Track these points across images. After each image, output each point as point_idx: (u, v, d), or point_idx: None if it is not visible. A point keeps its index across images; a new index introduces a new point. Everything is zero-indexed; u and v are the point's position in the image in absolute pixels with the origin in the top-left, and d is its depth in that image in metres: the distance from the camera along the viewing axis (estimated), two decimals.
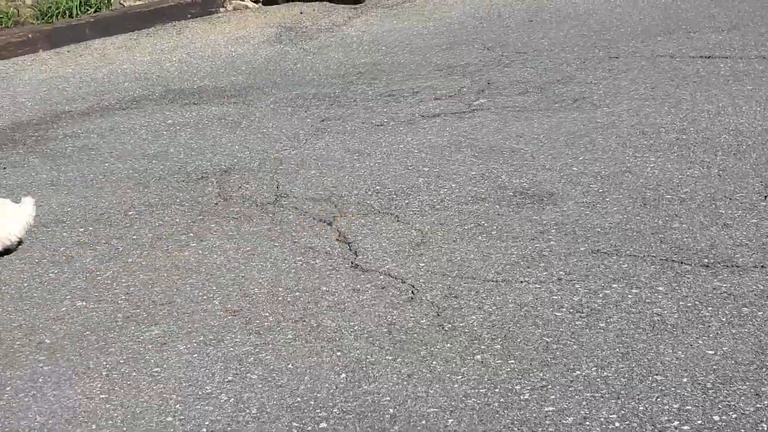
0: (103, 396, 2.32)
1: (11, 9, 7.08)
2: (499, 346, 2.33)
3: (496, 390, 2.13)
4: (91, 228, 3.39)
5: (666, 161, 3.49)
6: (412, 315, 2.55)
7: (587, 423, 1.93)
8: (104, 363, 2.49)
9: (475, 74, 4.99)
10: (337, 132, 4.25)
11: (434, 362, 2.29)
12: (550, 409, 2.02)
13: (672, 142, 3.68)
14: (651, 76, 4.68)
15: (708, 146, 3.61)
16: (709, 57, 4.94)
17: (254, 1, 6.96)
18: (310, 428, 2.08)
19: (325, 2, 6.95)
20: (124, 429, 2.15)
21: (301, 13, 6.78)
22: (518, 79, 4.85)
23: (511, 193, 3.34)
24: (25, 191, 3.76)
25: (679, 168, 3.40)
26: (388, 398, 2.14)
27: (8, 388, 2.40)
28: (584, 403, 2.01)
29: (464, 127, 4.13)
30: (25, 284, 2.99)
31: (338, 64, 5.48)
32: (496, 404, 2.07)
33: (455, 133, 4.05)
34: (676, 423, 1.87)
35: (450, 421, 2.02)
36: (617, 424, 1.90)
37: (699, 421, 1.87)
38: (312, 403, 2.17)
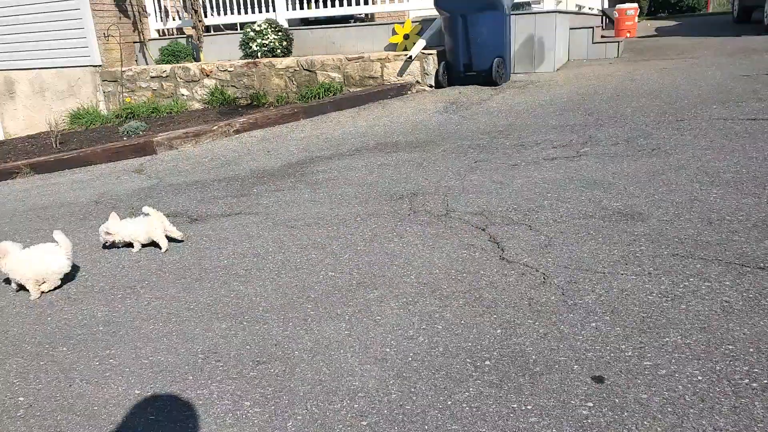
0: (347, 332, 2.41)
1: (284, 94, 7.47)
2: (608, 318, 2.26)
3: (607, 348, 2.07)
4: (334, 228, 3.50)
5: (725, 193, 3.26)
6: (544, 293, 2.51)
7: (676, 375, 1.84)
8: (346, 312, 2.57)
9: (579, 131, 4.83)
10: (486, 169, 4.21)
11: (562, 326, 2.25)
12: (648, 363, 1.94)
13: (729, 179, 3.44)
14: (709, 133, 4.38)
15: (757, 182, 3.35)
16: (754, 119, 4.56)
17: (429, 86, 6.99)
18: (479, 364, 2.08)
19: (476, 86, 6.92)
20: (366, 352, 2.21)
21: (460, 93, 6.79)
22: (611, 134, 4.66)
23: (611, 213, 3.22)
24: (300, 206, 3.96)
25: (736, 198, 3.17)
26: (531, 348, 2.12)
27: (289, 324, 2.49)
28: (673, 361, 1.92)
29: (574, 166, 4.00)
30: (298, 262, 3.11)
31: (485, 125, 5.44)
32: (608, 357, 2.01)
33: (568, 171, 3.94)
34: (746, 381, 1.75)
35: (575, 366, 1.99)
36: (700, 378, 1.80)
37: (765, 381, 1.74)
38: (479, 347, 2.18)
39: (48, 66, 8.99)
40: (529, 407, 1.83)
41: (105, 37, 8.57)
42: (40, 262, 3.07)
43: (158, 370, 2.31)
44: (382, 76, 7.34)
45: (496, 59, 6.95)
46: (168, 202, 4.48)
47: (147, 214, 3.56)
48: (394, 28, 7.74)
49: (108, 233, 3.63)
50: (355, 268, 2.98)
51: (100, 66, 8.65)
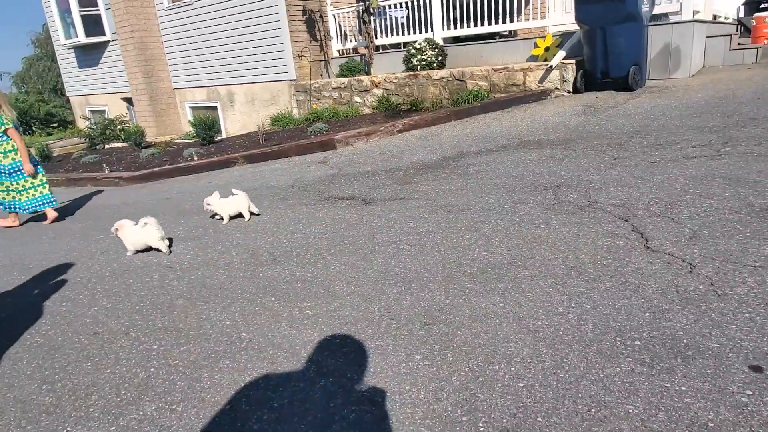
0: (501, 305, 2.30)
1: (438, 100, 7.41)
2: (762, 310, 1.93)
3: (764, 339, 1.76)
4: (485, 213, 3.38)
5: None
6: (691, 282, 2.21)
7: None
8: (499, 287, 2.47)
9: (719, 132, 4.20)
10: (625, 166, 3.82)
11: (713, 315, 1.96)
12: None
13: None
14: None
15: None
16: None
17: (567, 92, 6.51)
18: (628, 343, 1.88)
19: (611, 91, 6.32)
20: (519, 323, 2.10)
21: (597, 97, 6.25)
22: (753, 135, 4.00)
23: (758, 209, 2.75)
24: (454, 194, 3.89)
25: None
26: (682, 333, 1.87)
27: (450, 294, 2.42)
28: None
29: (715, 165, 3.49)
30: (455, 242, 3.03)
31: (622, 126, 4.93)
32: (765, 348, 1.70)
33: (709, 168, 3.44)
34: None
35: (730, 354, 1.73)
36: None
37: None
38: (628, 327, 1.96)
39: (257, 81, 9.79)
40: (683, 388, 1.62)
41: (299, 57, 9.12)
42: (140, 233, 3.67)
43: (344, 322, 2.38)
44: (524, 83, 7.00)
45: (632, 66, 6.31)
46: (346, 188, 4.65)
47: (236, 194, 4.04)
48: (536, 42, 7.35)
49: (208, 204, 4.10)
50: (505, 250, 2.85)
51: (294, 80, 9.23)
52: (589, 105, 6.13)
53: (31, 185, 5.10)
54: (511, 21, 7.81)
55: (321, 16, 9.19)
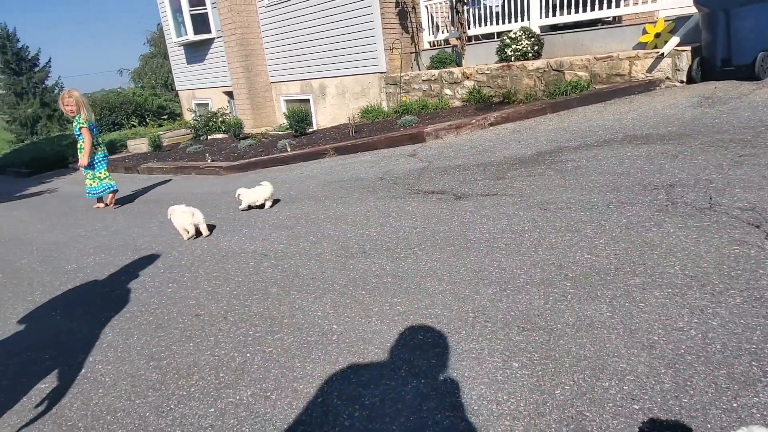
0: (608, 314, 2.09)
1: (532, 92, 7.07)
2: None
3: None
4: (587, 213, 3.12)
5: None
6: None
7: None
8: (606, 295, 2.25)
9: None
10: (753, 164, 3.38)
11: None
12: None
13: None
14: None
15: None
16: None
17: (681, 82, 5.93)
18: (767, 369, 1.60)
19: (733, 81, 5.65)
20: (631, 336, 1.89)
21: (716, 88, 5.61)
22: None
23: None
24: (551, 191, 3.65)
25: None
26: None
27: (550, 298, 2.27)
28: None
29: None
30: (553, 242, 2.83)
31: (747, 119, 4.38)
32: None
33: None
34: None
35: None
36: None
37: None
38: (766, 351, 1.68)
39: (348, 74, 9.91)
40: None
41: (390, 49, 9.09)
42: (188, 216, 4.10)
43: (436, 321, 2.30)
44: (629, 73, 6.46)
45: (760, 53, 5.59)
46: (436, 182, 4.54)
47: (262, 185, 4.58)
48: (644, 28, 6.74)
49: (239, 195, 4.58)
50: (611, 253, 2.61)
51: (384, 72, 9.23)
52: (706, 96, 5.53)
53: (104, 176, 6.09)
54: (617, 6, 7.24)
55: (413, 8, 9.09)
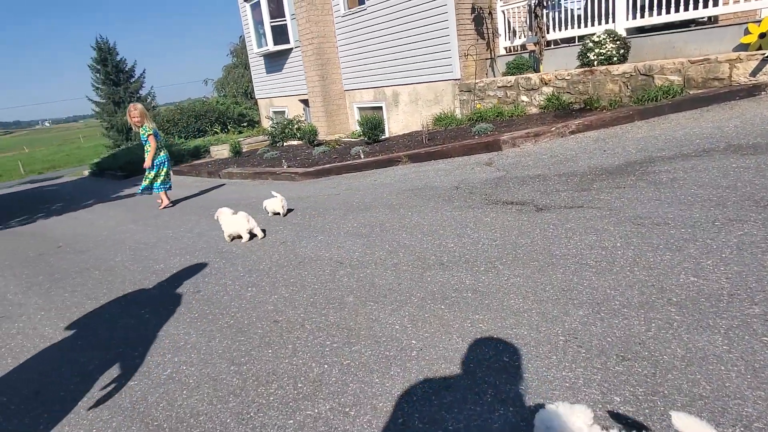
0: (725, 347, 1.87)
1: (617, 98, 6.66)
2: None
3: None
4: (689, 231, 2.83)
5: None
6: None
7: None
8: (720, 324, 2.00)
9: None
10: None
11: None
12: None
13: None
14: None
15: None
16: None
17: None
18: None
19: None
20: (755, 375, 1.65)
21: None
22: None
23: None
24: (645, 205, 3.36)
25: None
26: None
27: (652, 325, 2.05)
28: None
29: None
30: (651, 261, 2.58)
31: None
32: None
33: None
34: None
35: None
36: None
37: None
38: None
39: (421, 81, 9.83)
40: None
41: (464, 56, 8.93)
42: (234, 223, 4.40)
43: (522, 343, 2.14)
44: (729, 77, 5.91)
45: None
46: (515, 192, 4.34)
47: (275, 196, 5.07)
48: (747, 28, 6.14)
49: (266, 206, 5.14)
50: (722, 277, 2.33)
51: (458, 79, 9.07)
52: None
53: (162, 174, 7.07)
54: (714, 4, 6.66)
55: (490, 13, 8.88)
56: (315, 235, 4.26)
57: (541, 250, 3.04)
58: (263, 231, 4.51)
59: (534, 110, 7.90)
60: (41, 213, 9.18)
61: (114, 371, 2.58)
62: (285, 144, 11.41)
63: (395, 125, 10.75)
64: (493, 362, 2.04)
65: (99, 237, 5.92)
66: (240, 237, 4.48)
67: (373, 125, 8.67)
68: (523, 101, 8.09)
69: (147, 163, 6.81)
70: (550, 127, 6.21)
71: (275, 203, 5.06)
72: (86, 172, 16.98)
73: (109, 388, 2.41)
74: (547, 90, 7.71)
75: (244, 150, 11.63)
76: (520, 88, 8.11)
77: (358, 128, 9.74)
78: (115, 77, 24.82)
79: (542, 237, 3.24)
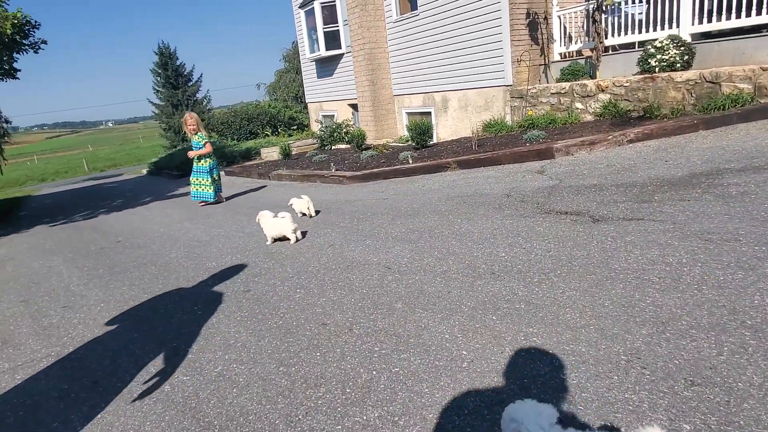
0: None
1: (679, 106, 6.35)
2: None
3: None
4: (761, 247, 2.66)
5: None
6: None
7: None
8: None
9: None
10: None
11: None
12: None
13: None
14: None
15: None
16: None
17: None
18: None
19: None
20: None
21: None
22: None
23: None
24: (712, 219, 3.17)
25: None
26: None
27: (724, 349, 1.90)
28: None
29: None
30: (721, 280, 2.42)
31: None
32: None
33: None
34: None
35: None
36: None
37: None
38: None
39: (472, 87, 9.72)
40: None
41: (517, 62, 8.76)
42: (278, 225, 4.47)
43: (580, 360, 2.04)
44: None
45: None
46: (569, 202, 4.20)
47: (302, 197, 5.30)
48: None
49: (292, 205, 5.33)
50: None
51: (510, 85, 8.90)
52: None
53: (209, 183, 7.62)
54: None
55: (545, 18, 8.68)
56: (363, 239, 4.25)
57: (598, 263, 2.91)
58: (303, 234, 4.70)
59: (589, 118, 7.64)
60: (103, 209, 9.65)
61: (167, 365, 2.64)
62: (333, 147, 11.53)
63: (444, 131, 10.67)
64: (549, 379, 1.96)
65: (155, 233, 6.15)
66: (284, 239, 4.55)
67: (421, 130, 8.63)
68: (577, 108, 7.85)
69: (192, 153, 7.44)
70: (606, 135, 5.99)
71: (302, 204, 5.28)
72: (144, 171, 17.78)
73: (163, 382, 2.47)
74: (604, 97, 7.45)
75: (293, 153, 11.84)
76: (575, 94, 7.87)
77: (406, 133, 9.72)
78: (174, 81, 25.88)
79: (599, 249, 3.11)
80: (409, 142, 9.37)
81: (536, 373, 2.01)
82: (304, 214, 5.32)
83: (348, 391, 2.13)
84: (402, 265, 3.47)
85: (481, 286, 2.92)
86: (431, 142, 9.05)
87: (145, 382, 2.52)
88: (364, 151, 9.40)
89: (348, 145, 11.12)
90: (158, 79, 26.05)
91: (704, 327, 2.09)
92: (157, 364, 2.68)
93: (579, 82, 7.89)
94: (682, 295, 2.39)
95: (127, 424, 2.19)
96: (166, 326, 3.17)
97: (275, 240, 4.63)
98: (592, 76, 8.02)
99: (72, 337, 3.27)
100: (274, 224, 4.55)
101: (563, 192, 4.53)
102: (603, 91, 7.47)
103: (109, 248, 5.76)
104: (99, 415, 2.30)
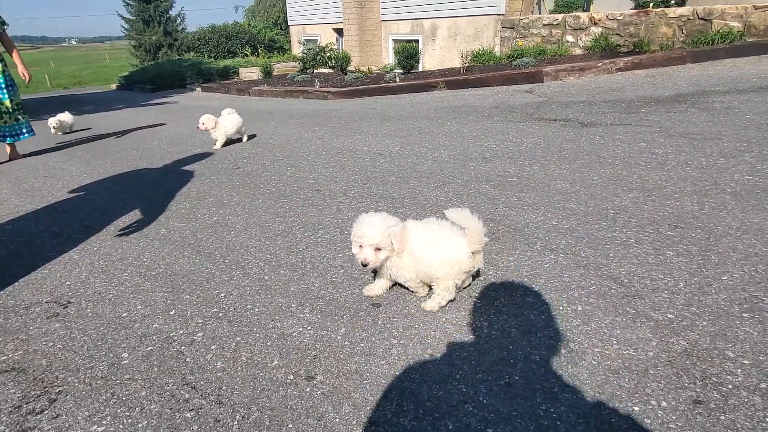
0: None
1: (669, 42, 6.40)
2: None
3: None
4: (741, 143, 2.82)
5: None
6: None
7: None
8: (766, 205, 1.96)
9: None
10: None
11: None
12: None
13: None
14: None
15: None
16: None
17: None
18: None
19: None
20: None
21: None
22: None
23: None
24: (696, 125, 3.28)
25: None
26: None
27: (705, 206, 2.02)
28: None
29: None
30: (704, 164, 2.54)
31: None
32: None
33: None
34: None
35: None
36: None
37: None
38: None
39: (463, 14, 9.51)
40: None
41: None
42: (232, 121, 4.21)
43: (570, 213, 2.15)
44: None
45: None
46: (558, 112, 4.26)
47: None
48: None
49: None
50: None
51: (502, 15, 8.75)
52: None
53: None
54: None
55: None
56: (352, 134, 4.25)
57: (587, 153, 3.01)
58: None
59: (578, 51, 7.64)
60: (73, 111, 9.24)
61: (161, 217, 2.65)
62: (316, 71, 11.23)
63: (430, 60, 10.50)
64: (542, 223, 2.06)
65: (135, 131, 5.97)
66: (237, 140, 4.38)
67: (408, 54, 8.47)
68: (568, 41, 7.82)
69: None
70: (596, 62, 6.02)
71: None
72: (113, 86, 16.97)
73: (157, 226, 2.49)
74: (596, 30, 7.42)
75: (274, 73, 11.49)
76: (567, 27, 7.81)
77: (390, 62, 9.53)
78: None
79: (588, 144, 3.20)
80: (395, 69, 9.20)
81: (529, 221, 2.11)
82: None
83: (346, 233, 2.20)
84: (393, 152, 3.51)
85: (473, 166, 2.99)
86: (417, 70, 8.90)
87: (142, 227, 2.52)
88: (348, 74, 9.20)
89: (331, 70, 10.84)
90: None
91: (688, 193, 2.22)
92: (149, 215, 2.68)
93: (573, 14, 7.82)
94: (667, 173, 2.51)
95: (126, 253, 2.22)
96: (154, 191, 3.16)
97: (224, 144, 4.29)
98: (586, 9, 7.95)
99: (57, 197, 3.22)
100: (230, 121, 4.18)
101: (552, 106, 4.58)
102: (596, 24, 7.43)
103: (87, 139, 5.58)
104: (95, 247, 2.31)
